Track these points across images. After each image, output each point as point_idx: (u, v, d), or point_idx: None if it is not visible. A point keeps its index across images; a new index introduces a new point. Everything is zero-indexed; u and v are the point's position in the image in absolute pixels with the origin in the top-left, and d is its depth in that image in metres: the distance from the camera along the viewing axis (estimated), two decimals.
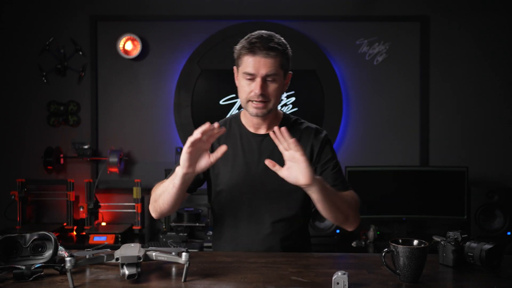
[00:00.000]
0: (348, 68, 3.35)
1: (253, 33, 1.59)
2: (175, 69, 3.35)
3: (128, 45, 3.28)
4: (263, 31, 1.59)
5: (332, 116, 3.31)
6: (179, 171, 1.41)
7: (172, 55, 3.35)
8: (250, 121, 1.66)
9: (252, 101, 1.56)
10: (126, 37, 3.27)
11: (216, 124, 1.38)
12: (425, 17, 3.32)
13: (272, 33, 1.59)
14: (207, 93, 3.34)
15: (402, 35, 3.34)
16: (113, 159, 3.18)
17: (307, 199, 1.62)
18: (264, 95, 1.54)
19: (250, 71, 1.54)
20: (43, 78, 3.34)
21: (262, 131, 1.66)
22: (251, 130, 1.67)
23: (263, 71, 1.53)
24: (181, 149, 3.46)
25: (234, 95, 3.31)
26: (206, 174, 1.67)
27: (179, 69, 3.34)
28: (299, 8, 3.33)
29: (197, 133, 1.37)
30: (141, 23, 3.35)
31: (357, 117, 3.37)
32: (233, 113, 3.29)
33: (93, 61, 3.34)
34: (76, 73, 3.35)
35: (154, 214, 1.60)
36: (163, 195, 1.51)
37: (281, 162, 1.53)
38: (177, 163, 1.49)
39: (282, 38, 1.59)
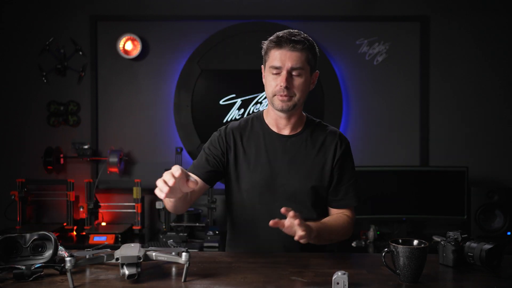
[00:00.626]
0: (348, 68, 3.35)
1: (281, 31, 1.59)
2: (175, 69, 3.35)
3: (128, 45, 3.28)
4: (291, 30, 1.60)
5: (332, 116, 3.31)
6: None
7: (172, 55, 3.35)
8: (274, 121, 1.64)
9: (278, 95, 1.55)
10: (126, 37, 3.27)
11: (177, 173, 1.25)
12: (425, 17, 3.33)
13: (301, 31, 1.60)
14: (207, 93, 3.34)
15: (402, 35, 3.34)
16: (113, 159, 3.18)
17: (325, 200, 1.68)
18: (289, 89, 1.54)
19: (276, 65, 1.53)
20: (43, 78, 3.34)
21: (286, 131, 1.64)
22: (275, 130, 1.65)
23: (289, 64, 1.52)
24: (181, 149, 3.47)
25: (234, 95, 3.31)
26: (226, 171, 1.65)
27: (179, 69, 3.34)
28: (299, 8, 3.33)
29: (162, 195, 1.25)
30: (141, 23, 3.35)
31: (357, 117, 3.37)
32: (233, 113, 3.30)
33: (93, 61, 3.35)
34: (76, 73, 3.35)
35: (171, 211, 1.62)
36: (168, 202, 1.52)
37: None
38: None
39: (310, 38, 1.60)
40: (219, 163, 1.63)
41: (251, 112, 3.30)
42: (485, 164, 3.33)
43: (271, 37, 1.58)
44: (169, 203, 1.52)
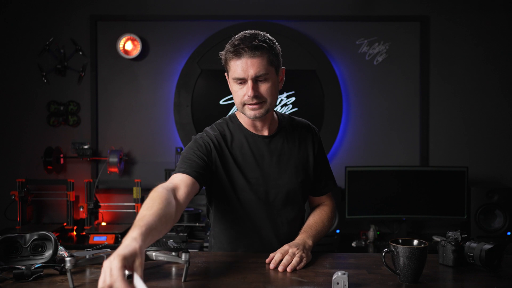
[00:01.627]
0: (348, 68, 3.35)
1: (236, 35, 1.52)
2: (175, 69, 3.35)
3: (128, 45, 3.28)
4: (246, 31, 1.53)
5: (332, 116, 3.31)
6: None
7: (172, 55, 3.35)
8: (251, 123, 1.61)
9: (247, 104, 1.51)
10: (126, 37, 3.27)
11: None
12: (425, 17, 3.32)
13: (256, 31, 1.53)
14: (207, 93, 3.34)
15: (402, 35, 3.34)
16: (113, 159, 3.18)
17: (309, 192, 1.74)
18: (258, 97, 1.49)
19: (239, 76, 1.48)
20: (43, 78, 3.34)
21: (265, 132, 1.62)
22: (254, 131, 1.62)
23: (252, 72, 1.47)
24: (181, 149, 3.47)
25: None
26: (216, 177, 1.57)
27: (179, 69, 3.34)
28: (299, 8, 3.33)
29: None
30: (141, 23, 3.35)
31: (357, 117, 3.37)
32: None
33: (93, 61, 3.35)
34: (76, 73, 3.35)
35: None
36: None
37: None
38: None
39: (267, 35, 1.53)
40: (208, 168, 1.53)
41: None
42: (485, 164, 3.33)
43: (228, 47, 1.51)
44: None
